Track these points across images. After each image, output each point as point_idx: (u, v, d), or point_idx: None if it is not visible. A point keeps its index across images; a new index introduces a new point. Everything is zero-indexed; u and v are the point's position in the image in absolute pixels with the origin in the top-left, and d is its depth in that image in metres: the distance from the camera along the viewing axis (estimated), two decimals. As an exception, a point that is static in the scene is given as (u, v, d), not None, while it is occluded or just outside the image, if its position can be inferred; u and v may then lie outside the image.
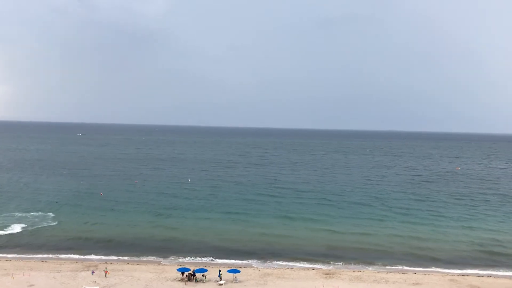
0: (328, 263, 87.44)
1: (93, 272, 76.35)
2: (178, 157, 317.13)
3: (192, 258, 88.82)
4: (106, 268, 78.27)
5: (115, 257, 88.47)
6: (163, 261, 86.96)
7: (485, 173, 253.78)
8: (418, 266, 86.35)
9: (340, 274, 79.98)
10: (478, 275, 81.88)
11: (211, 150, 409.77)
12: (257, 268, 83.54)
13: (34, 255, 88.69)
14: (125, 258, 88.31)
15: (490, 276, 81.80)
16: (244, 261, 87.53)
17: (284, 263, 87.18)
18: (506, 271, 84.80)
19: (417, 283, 75.87)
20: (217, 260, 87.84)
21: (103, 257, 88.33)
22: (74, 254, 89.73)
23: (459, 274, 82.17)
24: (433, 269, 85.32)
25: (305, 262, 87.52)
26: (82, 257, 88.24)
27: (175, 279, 75.40)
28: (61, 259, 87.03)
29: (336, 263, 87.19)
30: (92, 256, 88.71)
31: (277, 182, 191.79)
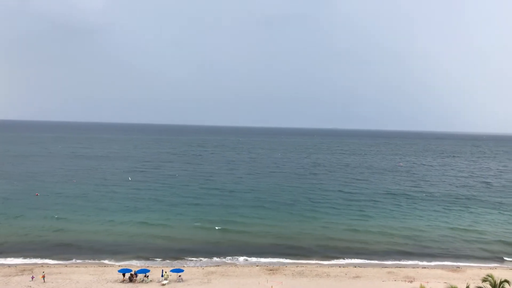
0: (272, 259, 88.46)
1: (33, 278, 72.59)
2: (116, 155, 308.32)
3: (134, 259, 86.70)
4: (43, 272, 74.89)
5: (52, 260, 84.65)
6: (103, 262, 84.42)
7: (419, 169, 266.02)
8: (357, 260, 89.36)
9: (284, 270, 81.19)
10: (413, 267, 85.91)
11: (149, 148, 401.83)
12: (201, 266, 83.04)
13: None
14: (63, 261, 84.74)
15: (424, 267, 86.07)
16: (187, 260, 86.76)
17: (228, 260, 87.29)
18: (439, 262, 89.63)
19: (357, 276, 78.44)
20: (160, 260, 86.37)
21: (39, 260, 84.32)
22: (7, 258, 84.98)
23: (396, 266, 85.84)
24: (372, 262, 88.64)
25: (249, 259, 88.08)
26: (16, 261, 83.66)
27: (116, 281, 73.44)
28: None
29: (279, 259, 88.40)
30: (27, 260, 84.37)
31: (212, 181, 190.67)
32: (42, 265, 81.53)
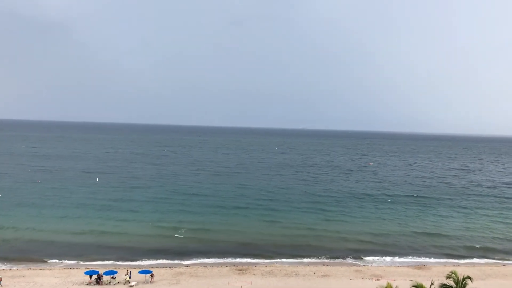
0: (241, 259, 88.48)
1: None
2: (80, 155, 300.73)
3: (101, 260, 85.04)
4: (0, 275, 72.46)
5: (14, 263, 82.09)
6: (69, 264, 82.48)
7: (385, 169, 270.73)
8: (325, 259, 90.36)
9: (253, 270, 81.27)
10: (380, 265, 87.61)
11: (114, 148, 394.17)
12: (170, 267, 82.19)
13: None
14: (26, 263, 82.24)
15: (391, 265, 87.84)
16: (156, 261, 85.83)
17: (197, 261, 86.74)
18: (404, 260, 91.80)
19: (326, 275, 79.30)
20: (127, 262, 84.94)
21: (0, 265, 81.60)
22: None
23: (363, 265, 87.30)
24: (339, 261, 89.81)
25: (218, 260, 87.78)
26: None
27: (82, 283, 71.90)
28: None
29: (249, 259, 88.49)
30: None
31: (177, 183, 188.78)
32: (4, 268, 78.98)
